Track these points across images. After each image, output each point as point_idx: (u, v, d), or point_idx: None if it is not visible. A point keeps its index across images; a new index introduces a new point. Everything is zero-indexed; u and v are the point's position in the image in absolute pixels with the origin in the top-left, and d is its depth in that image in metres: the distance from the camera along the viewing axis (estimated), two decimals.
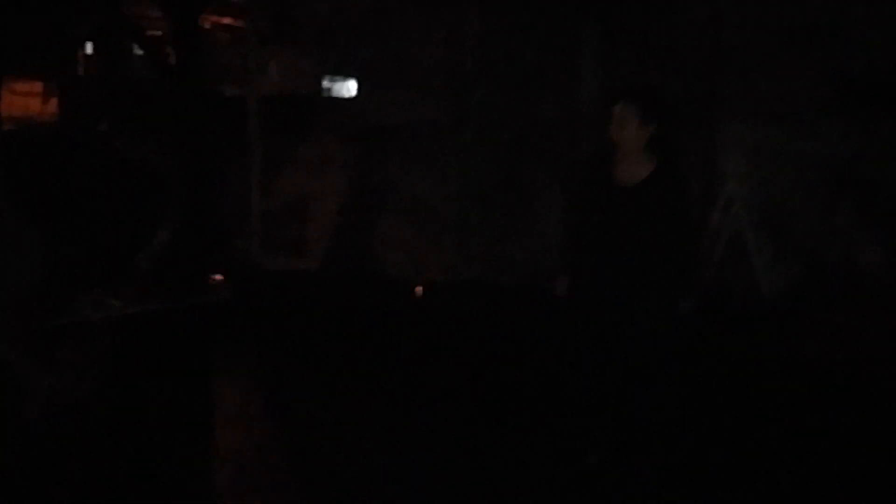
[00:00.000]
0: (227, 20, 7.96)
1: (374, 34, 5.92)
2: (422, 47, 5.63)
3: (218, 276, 4.96)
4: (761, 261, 4.97)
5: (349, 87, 7.13)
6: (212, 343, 4.16)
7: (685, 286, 2.97)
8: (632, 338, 2.93)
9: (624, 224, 2.93)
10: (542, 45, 5.29)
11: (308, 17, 6.45)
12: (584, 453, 3.06)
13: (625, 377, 2.97)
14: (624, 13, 5.15)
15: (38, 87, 7.92)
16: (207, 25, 7.57)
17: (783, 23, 4.72)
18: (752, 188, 5.00)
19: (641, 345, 2.92)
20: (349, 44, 6.18)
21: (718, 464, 3.12)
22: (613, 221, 2.95)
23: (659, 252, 2.90)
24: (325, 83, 7.43)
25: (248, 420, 3.40)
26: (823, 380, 3.95)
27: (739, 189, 4.99)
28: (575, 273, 3.08)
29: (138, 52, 7.48)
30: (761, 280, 4.98)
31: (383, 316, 5.07)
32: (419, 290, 5.45)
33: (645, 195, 2.90)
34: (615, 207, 2.95)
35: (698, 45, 4.95)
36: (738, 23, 4.86)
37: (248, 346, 4.40)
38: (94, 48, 8.20)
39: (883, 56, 4.58)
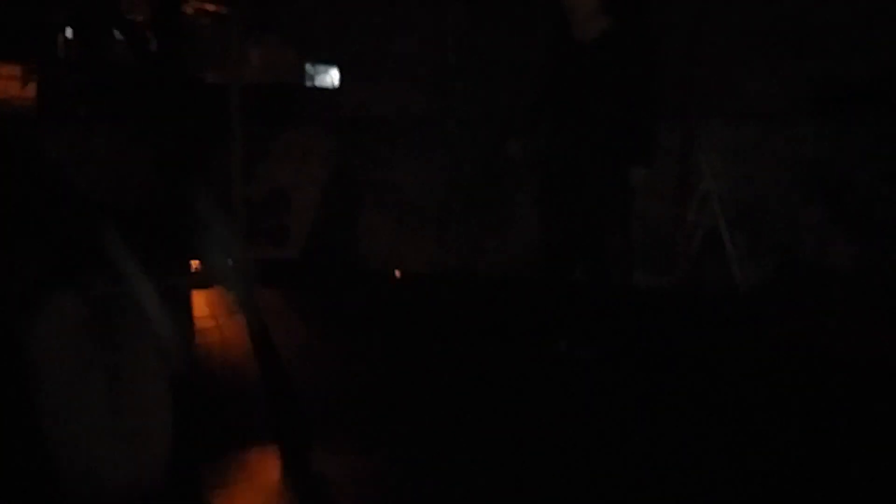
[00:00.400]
0: (209, 6, 7.92)
1: (357, 25, 5.93)
2: (405, 38, 5.66)
3: (195, 263, 4.96)
4: (736, 256, 5.07)
5: (332, 77, 7.13)
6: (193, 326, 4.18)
7: (641, 149, 3.14)
8: (587, 194, 3.16)
9: (583, 81, 3.10)
10: (525, 36, 5.34)
11: (291, 5, 6.44)
12: (555, 341, 3.28)
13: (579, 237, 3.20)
14: None
15: (17, 70, 7.84)
16: (190, 11, 7.53)
17: (761, 24, 4.81)
18: (728, 185, 5.09)
19: (595, 201, 3.15)
20: (332, 34, 6.19)
21: (694, 445, 3.20)
22: (574, 79, 3.13)
23: (615, 110, 3.08)
24: (309, 72, 7.44)
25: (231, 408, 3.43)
26: (796, 368, 4.07)
27: (716, 186, 5.08)
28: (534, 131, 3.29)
29: (119, 37, 7.43)
30: (736, 275, 5.08)
31: (365, 305, 5.12)
32: (398, 273, 5.54)
33: (600, 53, 3.08)
34: (575, 65, 3.13)
35: (677, 44, 5.03)
36: (718, 23, 4.95)
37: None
38: (74, 33, 8.13)
39: (858, 59, 4.69)
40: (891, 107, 4.69)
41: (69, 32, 8.29)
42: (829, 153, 4.87)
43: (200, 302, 4.67)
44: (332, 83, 7.02)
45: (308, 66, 7.30)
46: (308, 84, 7.25)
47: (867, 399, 3.69)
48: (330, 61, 7.04)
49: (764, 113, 5.03)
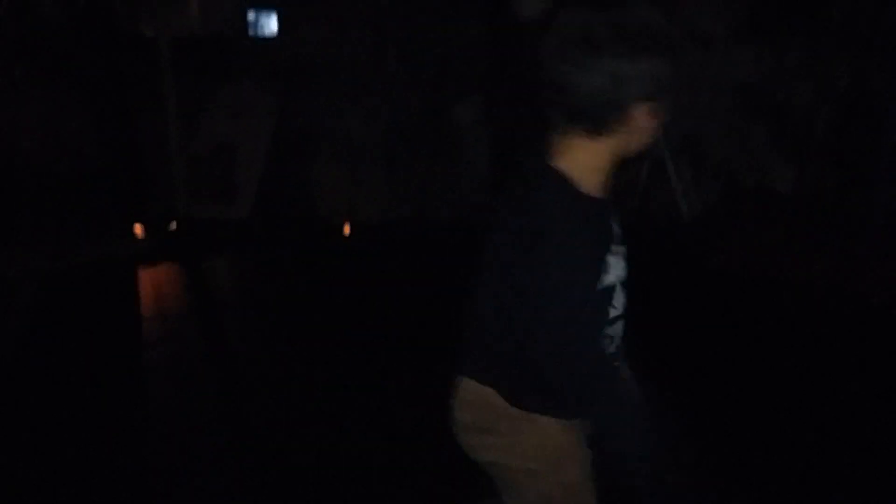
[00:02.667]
0: None
1: None
2: None
3: (138, 228, 4.88)
4: (681, 185, 5.10)
5: (271, 25, 6.93)
6: (138, 297, 4.12)
7: None
8: None
9: (521, 59, 3.00)
10: None
11: None
12: None
13: None
14: None
15: None
16: None
17: None
18: (671, 116, 5.07)
19: None
20: None
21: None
22: (512, 56, 3.02)
23: None
24: (248, 21, 7.22)
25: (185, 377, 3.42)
26: (738, 287, 4.16)
27: None
28: None
29: None
30: (681, 203, 5.12)
31: (318, 258, 5.09)
32: (346, 227, 5.50)
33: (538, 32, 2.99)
34: (513, 42, 3.02)
35: None
36: None
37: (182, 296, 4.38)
38: None
39: None
40: (824, 29, 4.68)
41: None
42: (767, 76, 4.87)
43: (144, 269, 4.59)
44: (271, 30, 6.83)
45: (246, 15, 7.08)
46: (248, 33, 7.03)
47: (805, 318, 3.79)
48: (268, 6, 6.83)
49: (701, 39, 4.99)
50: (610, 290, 1.39)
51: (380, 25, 5.50)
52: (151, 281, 4.34)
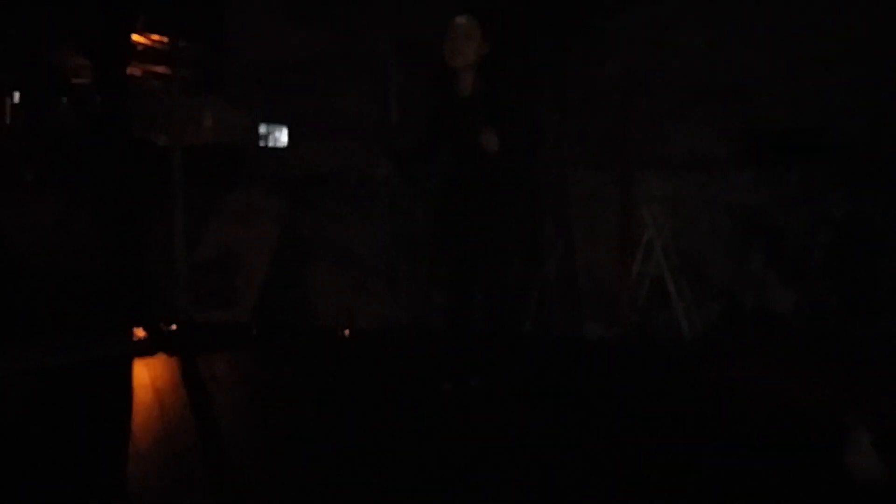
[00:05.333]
0: (159, 68, 7.94)
1: (302, 86, 6.00)
2: (349, 98, 5.74)
3: (140, 331, 4.87)
4: (681, 304, 5.14)
5: (281, 137, 7.18)
6: (131, 398, 4.06)
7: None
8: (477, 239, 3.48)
9: (464, 131, 3.34)
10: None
11: (239, 67, 6.50)
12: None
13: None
14: (544, 69, 5.35)
15: None
16: (139, 73, 7.54)
17: (693, 79, 4.99)
18: (671, 236, 5.19)
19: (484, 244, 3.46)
20: (279, 95, 6.25)
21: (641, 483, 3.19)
22: (456, 128, 3.40)
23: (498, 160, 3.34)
24: (259, 132, 7.48)
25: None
26: (739, 409, 4.10)
27: (658, 237, 5.18)
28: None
29: (65, 100, 7.41)
30: (682, 322, 5.14)
31: (313, 368, 5.04)
32: (346, 332, 5.49)
33: (474, 108, 3.36)
34: (456, 116, 3.42)
35: (614, 100, 5.17)
36: (652, 79, 5.11)
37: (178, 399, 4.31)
38: (21, 97, 8.10)
39: (785, 111, 4.87)
40: (820, 155, 4.86)
41: (16, 97, 8.25)
42: (765, 201, 5.01)
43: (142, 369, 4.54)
44: (281, 142, 7.06)
45: (258, 126, 7.34)
46: (258, 143, 7.27)
47: (807, 438, 3.72)
48: (278, 121, 7.09)
49: (700, 163, 5.17)
50: None
51: (388, 143, 5.69)
52: (148, 378, 4.30)
